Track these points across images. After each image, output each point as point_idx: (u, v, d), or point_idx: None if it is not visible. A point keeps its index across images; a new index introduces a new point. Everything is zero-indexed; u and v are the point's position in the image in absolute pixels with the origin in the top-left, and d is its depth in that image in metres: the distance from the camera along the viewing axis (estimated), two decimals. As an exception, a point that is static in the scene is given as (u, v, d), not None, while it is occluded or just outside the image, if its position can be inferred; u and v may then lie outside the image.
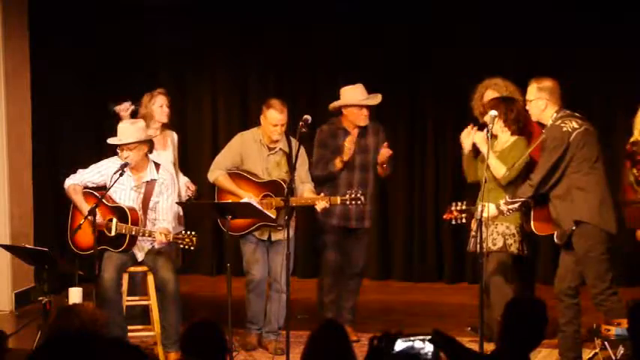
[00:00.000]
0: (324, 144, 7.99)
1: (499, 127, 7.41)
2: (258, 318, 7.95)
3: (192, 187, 8.12)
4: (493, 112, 7.20)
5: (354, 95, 7.94)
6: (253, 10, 10.18)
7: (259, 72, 10.44)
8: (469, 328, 7.76)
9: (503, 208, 7.08)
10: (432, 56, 9.95)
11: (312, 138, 8.13)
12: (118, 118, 8.05)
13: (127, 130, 7.49)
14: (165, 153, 8.04)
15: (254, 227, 7.74)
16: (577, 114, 7.11)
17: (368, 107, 7.93)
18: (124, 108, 8.09)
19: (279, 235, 7.77)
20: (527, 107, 7.17)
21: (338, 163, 7.83)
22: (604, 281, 7.02)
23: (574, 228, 6.98)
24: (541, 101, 7.07)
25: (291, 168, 7.52)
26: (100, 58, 10.14)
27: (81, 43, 9.98)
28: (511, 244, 7.34)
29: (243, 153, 7.82)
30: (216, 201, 7.79)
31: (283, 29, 10.22)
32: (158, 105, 8.04)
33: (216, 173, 7.83)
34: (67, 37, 9.86)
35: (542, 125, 7.23)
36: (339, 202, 7.59)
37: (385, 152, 7.88)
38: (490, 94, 7.74)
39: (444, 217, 7.66)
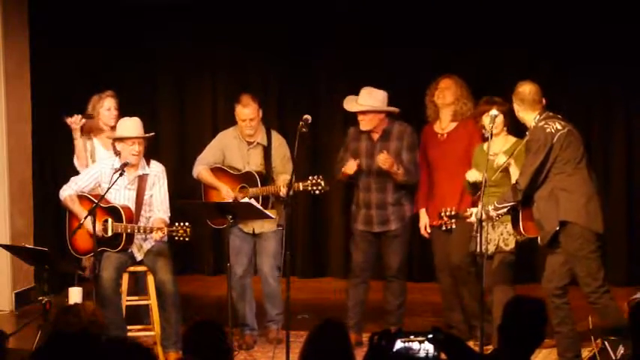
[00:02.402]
0: (346, 146, 8.04)
1: (503, 129, 7.43)
2: (247, 318, 8.00)
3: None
4: (493, 112, 7.21)
5: (358, 99, 7.93)
6: (253, 10, 10.18)
7: (260, 72, 10.44)
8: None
9: (493, 213, 7.08)
10: (431, 56, 9.94)
11: (312, 137, 8.17)
12: (69, 128, 8.02)
13: (135, 126, 7.51)
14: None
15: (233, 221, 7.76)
16: (559, 116, 7.13)
17: (364, 113, 7.83)
18: (75, 121, 7.97)
19: (264, 227, 7.88)
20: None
21: (341, 175, 7.89)
22: (596, 279, 7.01)
23: (558, 228, 6.98)
24: (519, 107, 7.11)
25: (268, 161, 7.84)
26: (100, 58, 10.13)
27: (81, 43, 9.97)
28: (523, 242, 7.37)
29: (224, 149, 7.99)
30: (204, 200, 7.92)
31: (283, 29, 10.22)
32: (106, 108, 8.01)
33: (199, 168, 8.02)
34: (67, 37, 9.85)
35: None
36: (301, 188, 7.60)
37: (381, 158, 7.74)
38: (446, 82, 7.89)
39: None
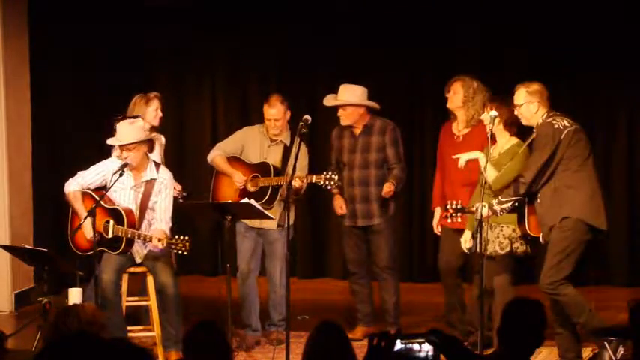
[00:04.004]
0: (332, 145, 8.23)
1: (499, 130, 7.41)
2: (250, 318, 8.03)
3: (178, 188, 8.07)
4: (493, 113, 7.19)
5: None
6: (253, 11, 10.17)
7: (259, 72, 10.44)
8: None
9: (497, 208, 7.08)
10: (431, 57, 9.94)
11: (312, 138, 8.18)
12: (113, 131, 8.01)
13: (126, 130, 7.46)
14: (152, 155, 7.99)
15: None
16: (565, 115, 7.13)
17: (343, 108, 7.99)
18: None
19: (269, 224, 7.90)
20: (515, 112, 7.19)
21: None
22: (559, 274, 6.99)
23: (557, 224, 6.98)
24: (532, 104, 7.11)
25: (285, 160, 7.87)
26: (100, 59, 10.13)
27: (81, 43, 9.97)
28: (517, 247, 7.32)
29: (245, 143, 8.07)
30: (213, 186, 8.01)
31: (283, 29, 10.22)
32: (153, 108, 7.99)
33: (215, 153, 8.14)
34: (67, 37, 9.85)
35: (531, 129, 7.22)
36: (313, 180, 7.65)
37: (386, 188, 7.89)
38: (454, 87, 7.81)
39: (441, 215, 7.67)
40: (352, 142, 8.07)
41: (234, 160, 8.06)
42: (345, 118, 8.02)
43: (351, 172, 8.05)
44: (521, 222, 7.17)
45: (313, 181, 7.66)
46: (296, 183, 7.53)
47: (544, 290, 7.03)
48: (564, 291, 7.02)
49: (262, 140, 8.03)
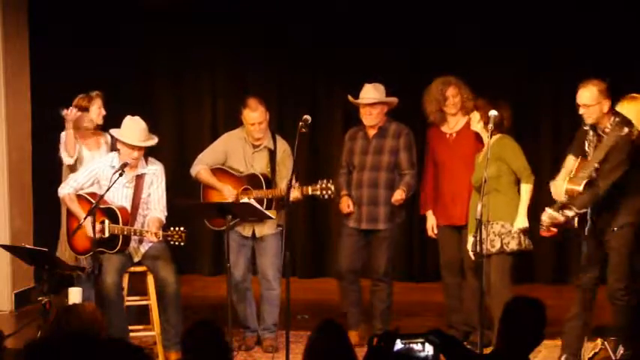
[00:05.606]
0: (344, 147, 8.12)
1: (481, 129, 7.42)
2: (249, 321, 7.98)
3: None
4: (493, 112, 7.19)
5: (362, 94, 7.98)
6: (253, 10, 10.18)
7: (259, 73, 10.43)
8: None
9: (569, 214, 6.88)
10: (431, 57, 9.94)
11: (311, 137, 8.16)
12: (62, 121, 8.01)
13: (139, 133, 7.50)
14: (99, 152, 7.99)
15: (234, 222, 7.68)
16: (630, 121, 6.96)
17: (373, 107, 7.89)
18: (70, 113, 7.95)
19: (264, 230, 7.83)
20: (581, 112, 6.93)
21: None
22: (628, 278, 6.96)
23: (615, 229, 6.89)
24: (604, 104, 6.88)
25: (273, 164, 7.78)
26: (100, 59, 10.13)
27: (81, 43, 9.97)
28: (509, 242, 7.31)
29: (227, 151, 7.92)
30: (203, 201, 7.90)
31: (283, 29, 10.22)
32: (96, 107, 8.03)
33: (198, 168, 7.95)
34: (66, 37, 9.86)
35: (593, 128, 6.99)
36: (310, 192, 7.60)
37: (397, 195, 7.82)
38: (452, 91, 7.81)
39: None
40: (365, 144, 7.96)
41: (220, 172, 7.92)
42: (376, 116, 7.90)
43: (360, 174, 7.93)
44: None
45: (310, 193, 7.60)
46: (295, 193, 7.46)
47: (614, 299, 6.98)
48: (628, 297, 7.00)
49: (245, 147, 7.89)
